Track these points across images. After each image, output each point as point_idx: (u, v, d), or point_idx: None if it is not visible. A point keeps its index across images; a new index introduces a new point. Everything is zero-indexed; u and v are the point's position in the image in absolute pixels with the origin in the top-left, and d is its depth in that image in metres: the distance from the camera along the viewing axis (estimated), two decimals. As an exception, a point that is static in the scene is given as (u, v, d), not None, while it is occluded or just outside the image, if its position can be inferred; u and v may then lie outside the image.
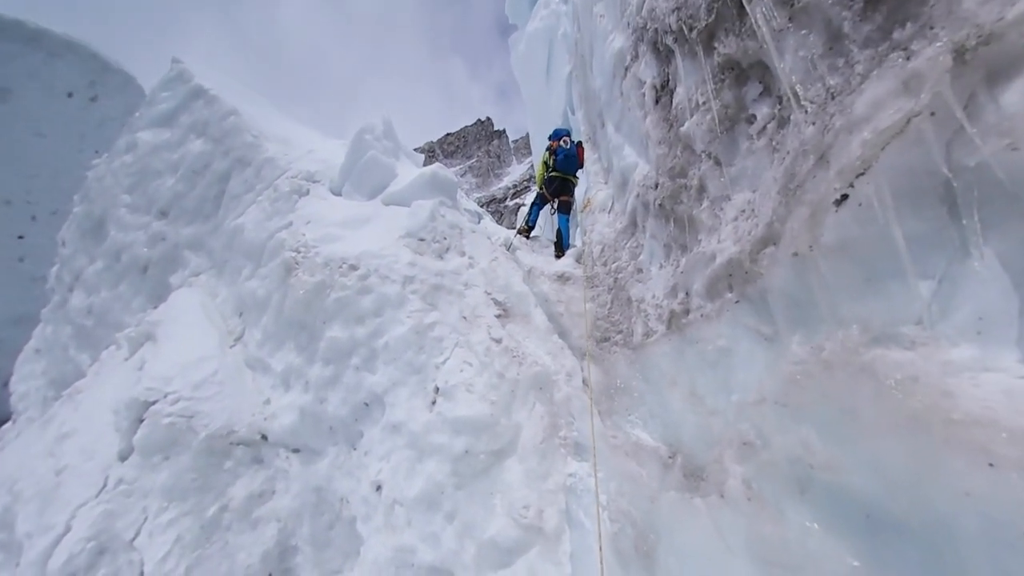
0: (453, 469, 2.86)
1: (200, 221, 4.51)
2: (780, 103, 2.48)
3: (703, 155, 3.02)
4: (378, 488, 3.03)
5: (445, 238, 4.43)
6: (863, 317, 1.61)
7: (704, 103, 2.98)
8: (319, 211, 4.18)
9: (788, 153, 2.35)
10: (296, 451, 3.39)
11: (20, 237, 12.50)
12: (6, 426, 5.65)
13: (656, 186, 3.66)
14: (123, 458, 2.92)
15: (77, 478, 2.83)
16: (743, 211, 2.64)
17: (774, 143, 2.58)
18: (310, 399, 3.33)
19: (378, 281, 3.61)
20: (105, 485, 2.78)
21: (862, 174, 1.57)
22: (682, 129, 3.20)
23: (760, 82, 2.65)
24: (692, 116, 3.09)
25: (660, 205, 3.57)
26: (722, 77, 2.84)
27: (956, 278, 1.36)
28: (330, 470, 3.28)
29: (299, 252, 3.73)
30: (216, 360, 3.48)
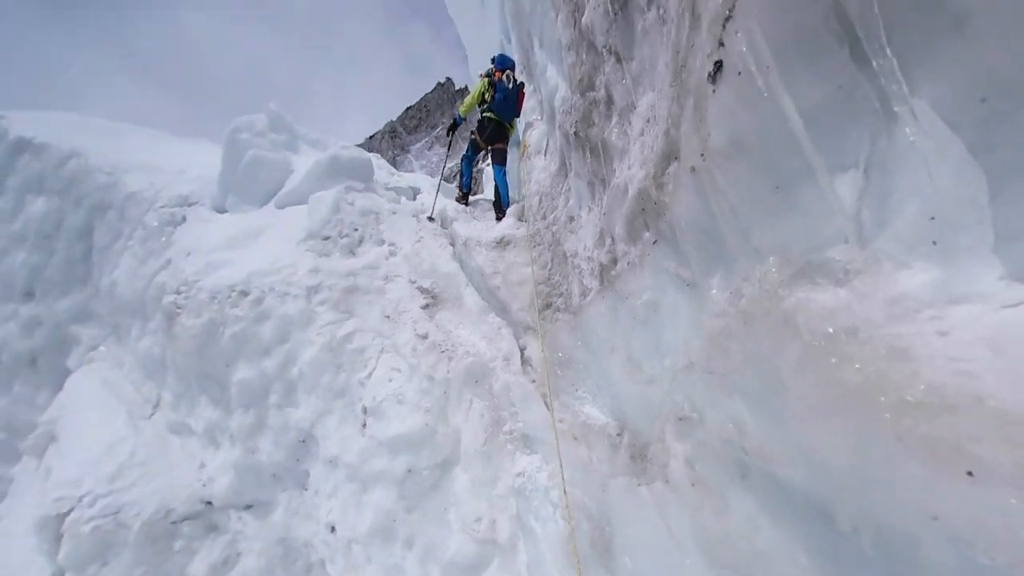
0: (400, 493, 2.56)
1: (76, 289, 3.94)
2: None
3: (605, 51, 2.47)
4: (332, 529, 2.77)
5: (356, 229, 3.86)
6: (779, 243, 1.12)
7: (597, -21, 2.32)
8: (199, 237, 3.62)
9: (672, 20, 1.73)
10: (248, 507, 3.14)
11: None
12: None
13: (571, 109, 3.02)
14: (56, 579, 2.69)
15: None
16: (648, 120, 2.08)
17: (661, 12, 1.94)
18: (239, 453, 3.02)
19: (276, 302, 3.14)
20: (45, 612, 2.57)
21: (728, 20, 0.99)
22: (583, 21, 2.59)
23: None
24: (589, 1, 2.46)
25: (575, 133, 2.96)
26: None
27: (886, 160, 0.84)
28: (287, 517, 3.04)
29: (180, 293, 3.24)
30: (130, 440, 3.14)
